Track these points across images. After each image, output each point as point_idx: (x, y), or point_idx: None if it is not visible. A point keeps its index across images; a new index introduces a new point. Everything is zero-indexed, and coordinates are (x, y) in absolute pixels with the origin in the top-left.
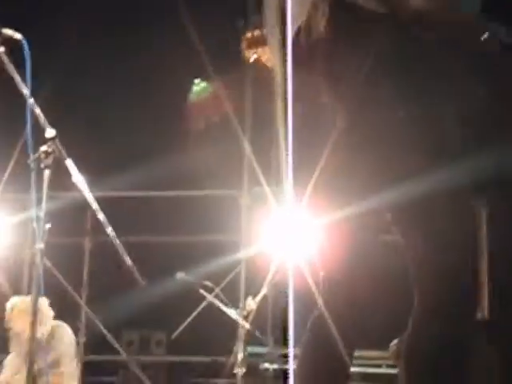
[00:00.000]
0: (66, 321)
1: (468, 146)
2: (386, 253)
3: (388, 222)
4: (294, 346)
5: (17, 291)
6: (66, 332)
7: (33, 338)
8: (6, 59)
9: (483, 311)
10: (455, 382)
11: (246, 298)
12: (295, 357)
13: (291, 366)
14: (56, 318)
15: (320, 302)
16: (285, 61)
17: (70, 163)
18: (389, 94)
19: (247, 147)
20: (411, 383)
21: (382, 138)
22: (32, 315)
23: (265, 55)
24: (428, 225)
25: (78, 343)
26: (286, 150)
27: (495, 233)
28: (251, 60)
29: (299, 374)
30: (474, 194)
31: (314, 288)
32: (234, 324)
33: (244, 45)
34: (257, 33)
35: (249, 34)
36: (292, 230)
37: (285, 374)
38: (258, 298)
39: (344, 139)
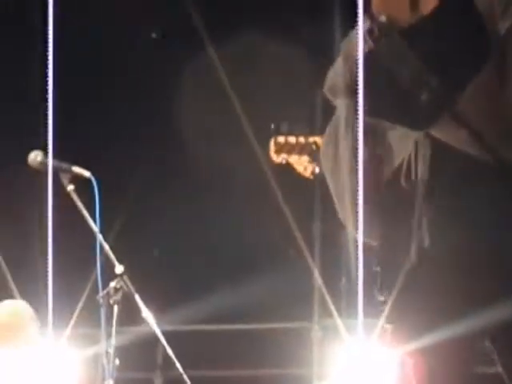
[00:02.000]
0: None
1: None
2: None
3: (486, 350)
4: None
5: None
6: None
7: None
8: (75, 197)
9: None
10: None
11: None
12: None
13: None
14: None
15: None
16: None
17: (138, 299)
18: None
19: (318, 277)
20: None
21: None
22: None
23: (299, 165)
24: None
25: None
26: (356, 278)
27: None
28: (278, 161)
29: None
30: None
31: None
32: None
33: (273, 148)
34: (291, 140)
35: (281, 138)
36: (365, 364)
37: None
38: None
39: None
